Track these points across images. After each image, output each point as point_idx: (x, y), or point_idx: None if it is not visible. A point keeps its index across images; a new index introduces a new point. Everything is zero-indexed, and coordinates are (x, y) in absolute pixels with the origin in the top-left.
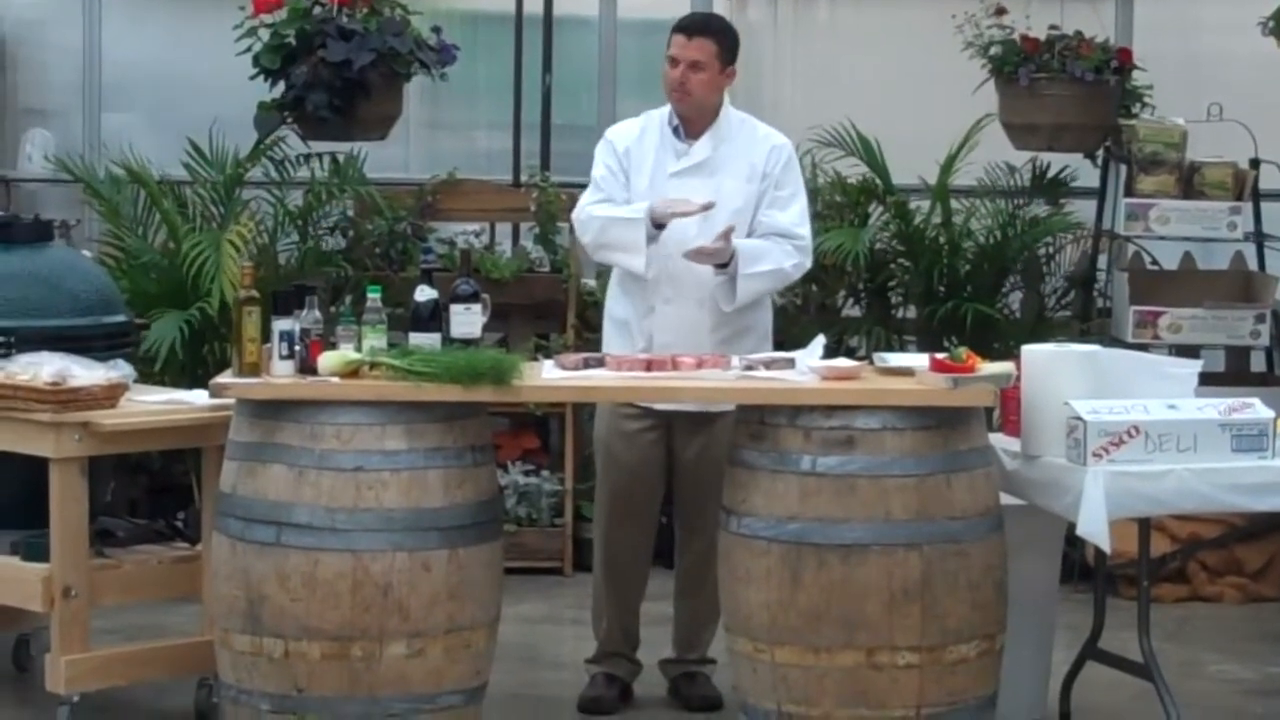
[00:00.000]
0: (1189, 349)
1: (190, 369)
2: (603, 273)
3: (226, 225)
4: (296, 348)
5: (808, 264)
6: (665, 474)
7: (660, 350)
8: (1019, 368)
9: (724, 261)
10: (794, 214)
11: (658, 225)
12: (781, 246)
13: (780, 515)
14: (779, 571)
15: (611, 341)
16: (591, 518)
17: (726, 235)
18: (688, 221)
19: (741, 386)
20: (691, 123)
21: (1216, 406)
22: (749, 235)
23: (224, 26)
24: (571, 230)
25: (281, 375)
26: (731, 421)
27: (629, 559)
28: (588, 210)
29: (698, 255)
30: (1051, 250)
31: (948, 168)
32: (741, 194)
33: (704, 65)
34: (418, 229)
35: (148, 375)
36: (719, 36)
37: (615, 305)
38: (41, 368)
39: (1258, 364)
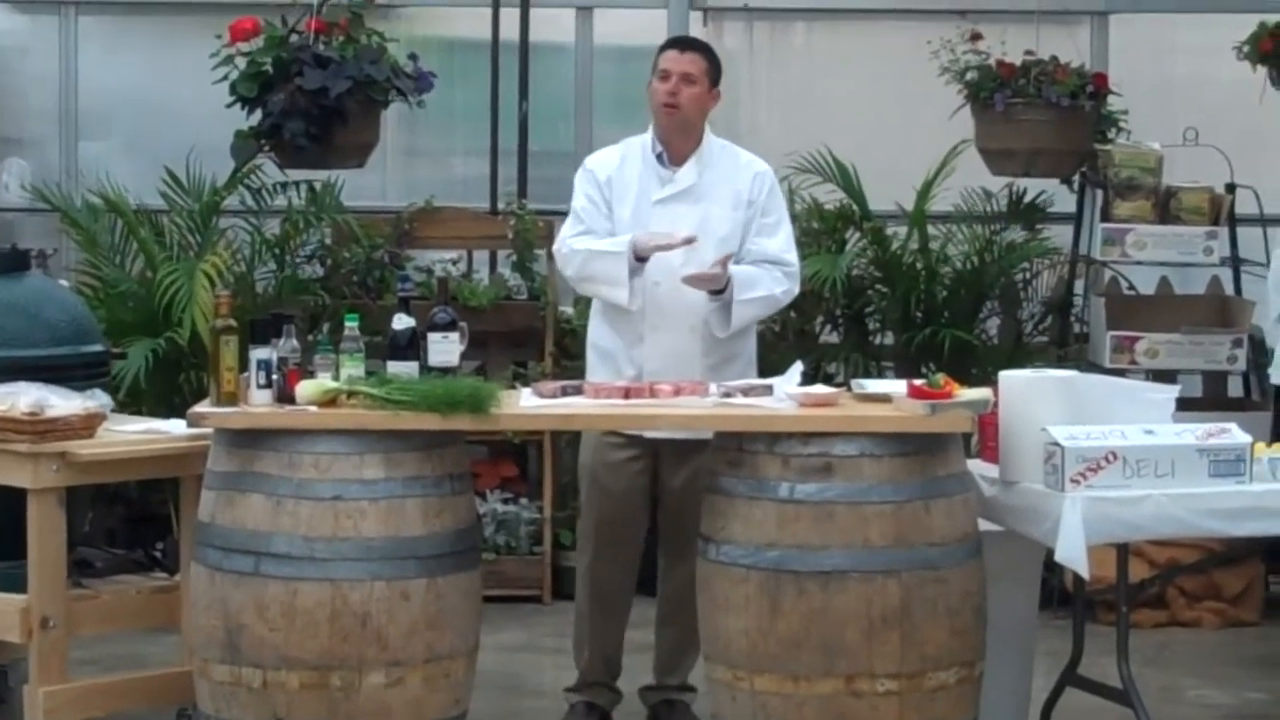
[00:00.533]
0: (1166, 374)
1: (167, 398)
2: (580, 300)
3: (203, 254)
4: (274, 376)
5: (796, 290)
6: (650, 502)
7: (651, 379)
8: (996, 393)
9: (720, 288)
10: (781, 240)
11: (640, 258)
12: (771, 274)
13: (758, 542)
14: (757, 599)
15: (596, 371)
16: (570, 545)
17: (724, 261)
18: (674, 251)
19: (719, 413)
20: (675, 149)
21: (1194, 431)
22: (738, 263)
23: (200, 54)
24: (549, 258)
25: (259, 404)
26: (712, 451)
27: (615, 588)
28: (569, 244)
29: (695, 280)
30: (1028, 276)
31: (924, 193)
32: (728, 221)
33: (695, 79)
34: (395, 257)
35: (125, 405)
36: (709, 54)
37: (599, 336)
38: (19, 398)
39: (1235, 389)
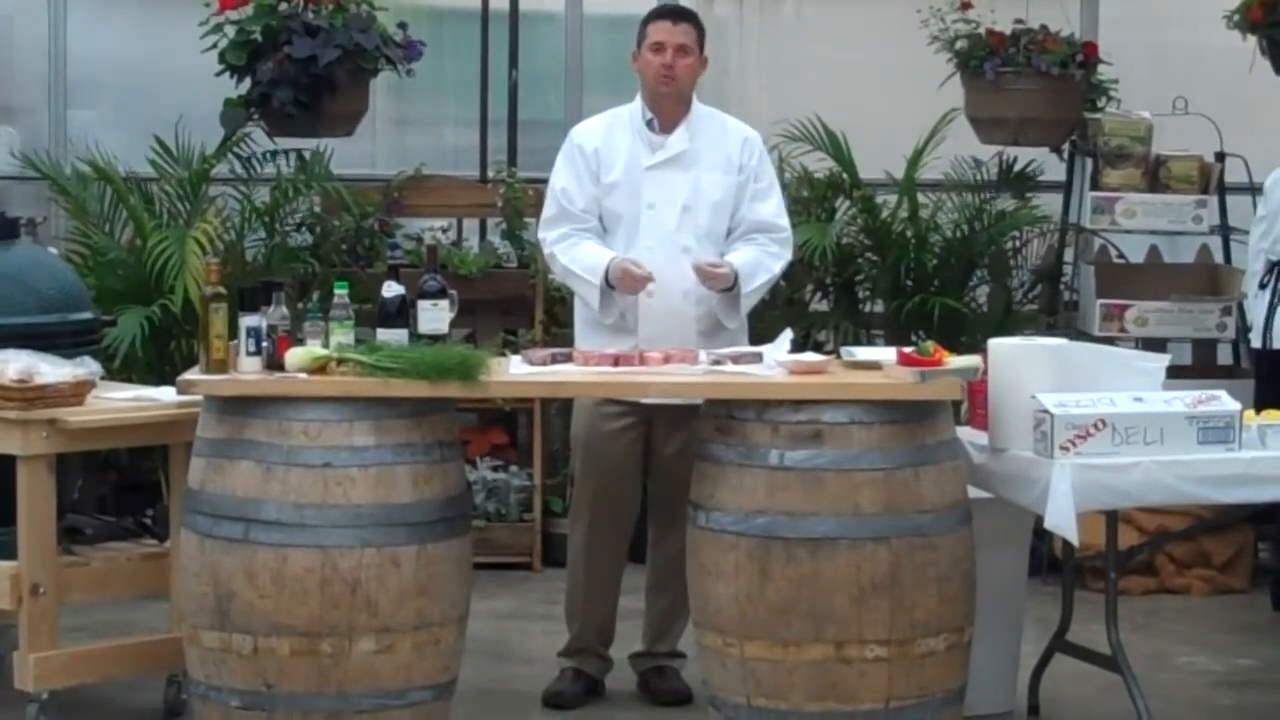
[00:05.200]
0: (1155, 342)
1: (157, 366)
2: None
3: (193, 222)
4: (264, 344)
5: (790, 255)
6: (643, 470)
7: (646, 344)
8: (986, 361)
9: (728, 286)
10: (773, 205)
11: (613, 285)
12: (766, 249)
13: (748, 509)
14: (747, 566)
15: (589, 343)
16: (560, 513)
17: (718, 270)
18: (667, 216)
19: (709, 381)
20: (665, 116)
21: (1183, 399)
22: (730, 230)
23: (190, 23)
24: (539, 227)
25: (249, 372)
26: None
27: (609, 558)
28: (551, 247)
29: (705, 274)
30: (1018, 244)
31: (914, 162)
32: (720, 186)
33: (689, 49)
34: (385, 225)
35: (113, 372)
36: (697, 23)
37: (587, 308)
38: (8, 365)
39: (1224, 356)
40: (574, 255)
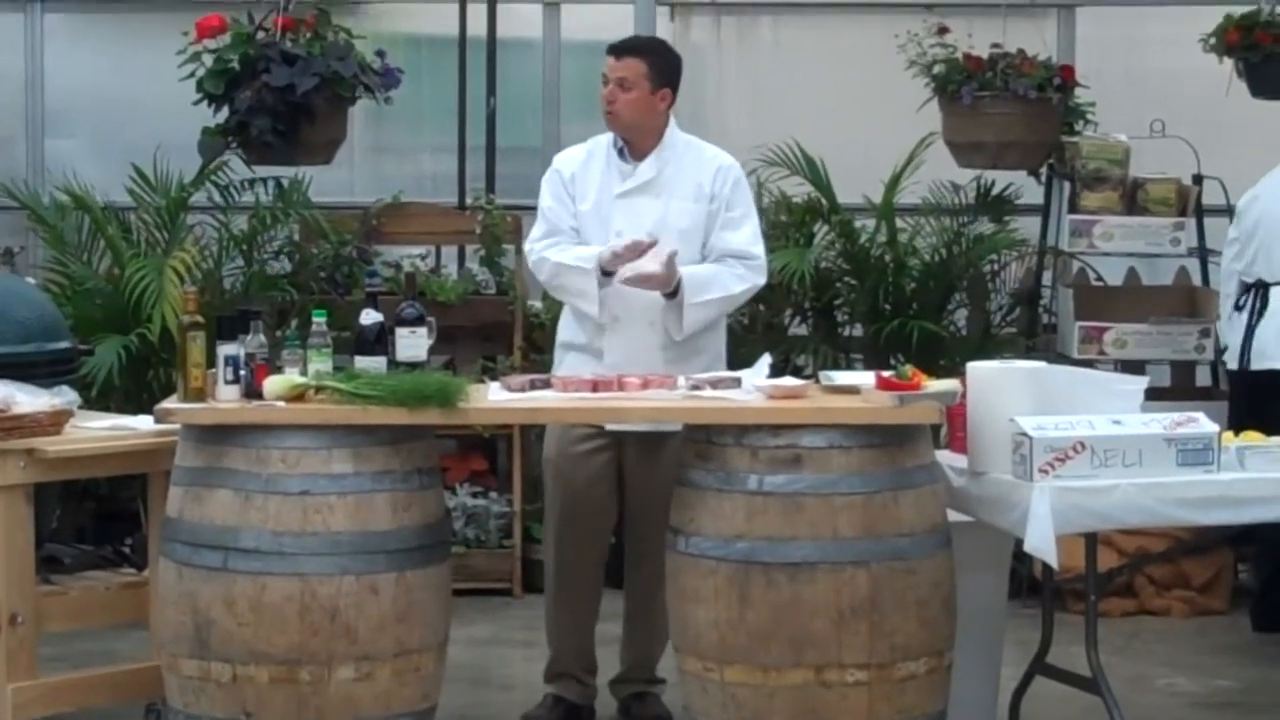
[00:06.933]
0: (1134, 364)
1: (135, 395)
2: (549, 295)
3: (171, 250)
4: (242, 372)
5: (761, 282)
6: (618, 494)
7: (611, 370)
8: (965, 385)
9: (670, 290)
10: (746, 234)
11: (607, 273)
12: (732, 270)
13: (728, 534)
14: (727, 591)
15: (561, 367)
16: (540, 539)
17: (670, 262)
18: (636, 240)
19: (688, 406)
20: (635, 144)
21: (1161, 421)
22: (703, 259)
23: (167, 51)
24: (518, 253)
25: (227, 400)
26: (680, 444)
27: (580, 580)
28: (540, 252)
29: (638, 280)
30: (996, 267)
31: (893, 186)
32: (689, 214)
33: (631, 84)
34: (363, 253)
35: (91, 401)
36: (648, 57)
37: (566, 330)
38: None
39: (1203, 378)
40: (565, 252)
